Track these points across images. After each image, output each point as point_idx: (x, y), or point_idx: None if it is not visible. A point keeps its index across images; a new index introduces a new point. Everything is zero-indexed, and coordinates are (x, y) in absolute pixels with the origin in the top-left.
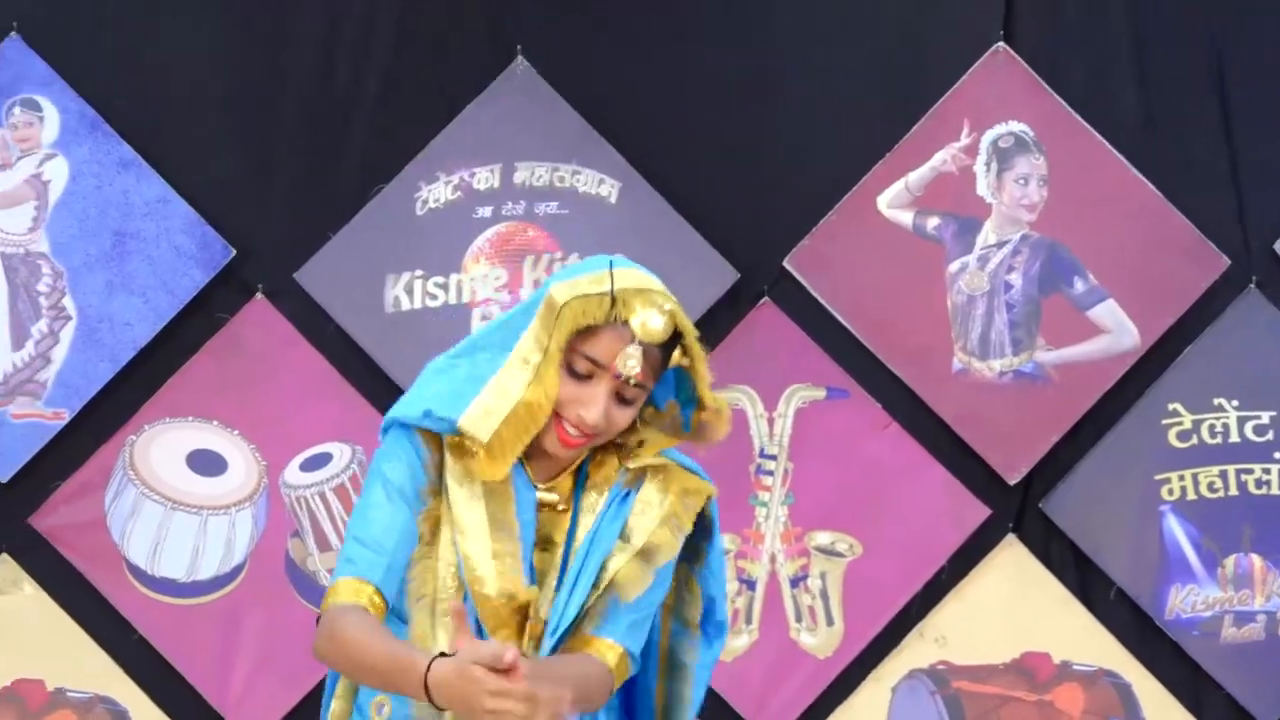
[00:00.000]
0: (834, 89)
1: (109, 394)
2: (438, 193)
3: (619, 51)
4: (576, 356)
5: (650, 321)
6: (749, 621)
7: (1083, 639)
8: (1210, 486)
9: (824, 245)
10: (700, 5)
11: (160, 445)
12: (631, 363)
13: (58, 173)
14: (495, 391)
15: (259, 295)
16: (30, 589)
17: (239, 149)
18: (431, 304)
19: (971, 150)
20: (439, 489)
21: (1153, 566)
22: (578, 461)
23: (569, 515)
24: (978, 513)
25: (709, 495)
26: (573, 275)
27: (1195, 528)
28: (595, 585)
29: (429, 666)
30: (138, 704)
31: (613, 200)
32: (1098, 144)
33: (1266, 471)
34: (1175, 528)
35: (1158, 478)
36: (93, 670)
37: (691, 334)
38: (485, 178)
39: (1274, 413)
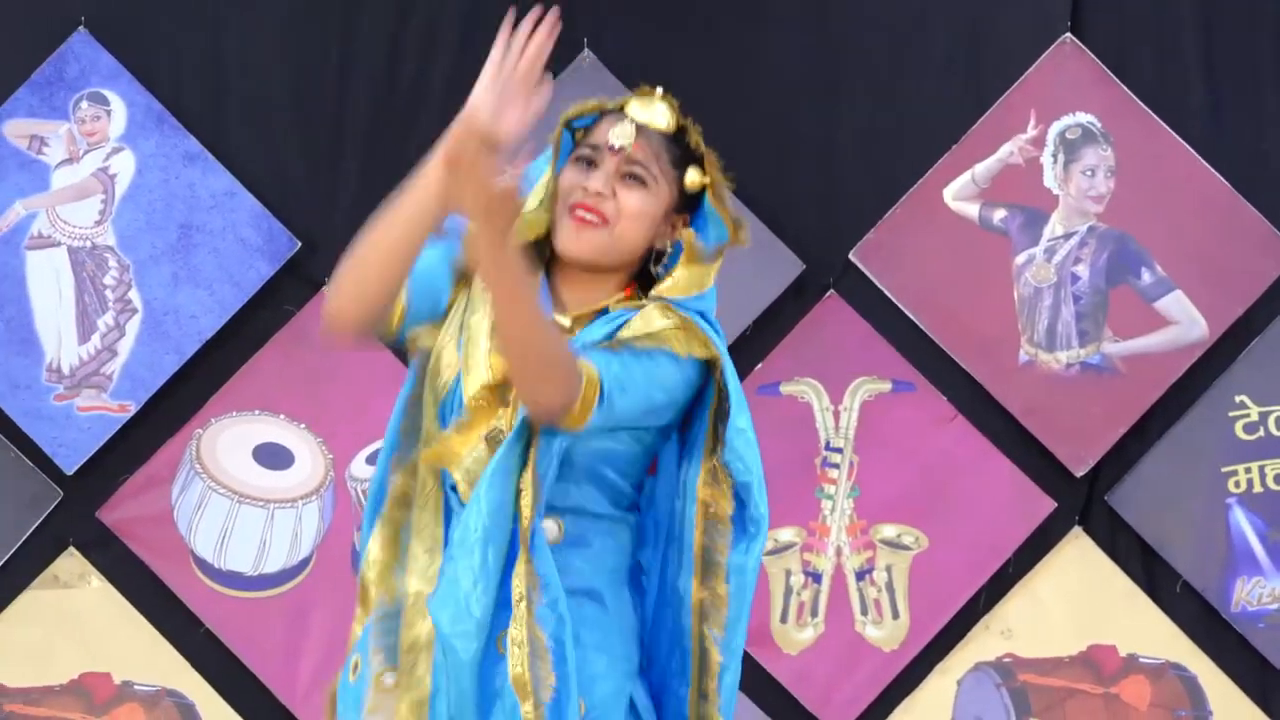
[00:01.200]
0: (900, 81)
1: (175, 387)
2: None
3: (685, 44)
4: (579, 149)
5: (642, 104)
6: (815, 614)
7: (1149, 632)
8: (1277, 478)
9: (890, 238)
10: None
11: (227, 438)
12: (621, 131)
13: (124, 166)
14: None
15: (325, 289)
16: (97, 583)
17: (305, 141)
18: None
19: (1039, 142)
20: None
21: (1219, 559)
22: (606, 295)
23: None
24: (1044, 505)
25: (715, 359)
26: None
27: (1262, 520)
28: None
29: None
30: (204, 697)
31: None
32: (1165, 134)
33: None
34: (1241, 520)
35: (1224, 470)
36: (159, 663)
37: (700, 141)
38: None
39: None
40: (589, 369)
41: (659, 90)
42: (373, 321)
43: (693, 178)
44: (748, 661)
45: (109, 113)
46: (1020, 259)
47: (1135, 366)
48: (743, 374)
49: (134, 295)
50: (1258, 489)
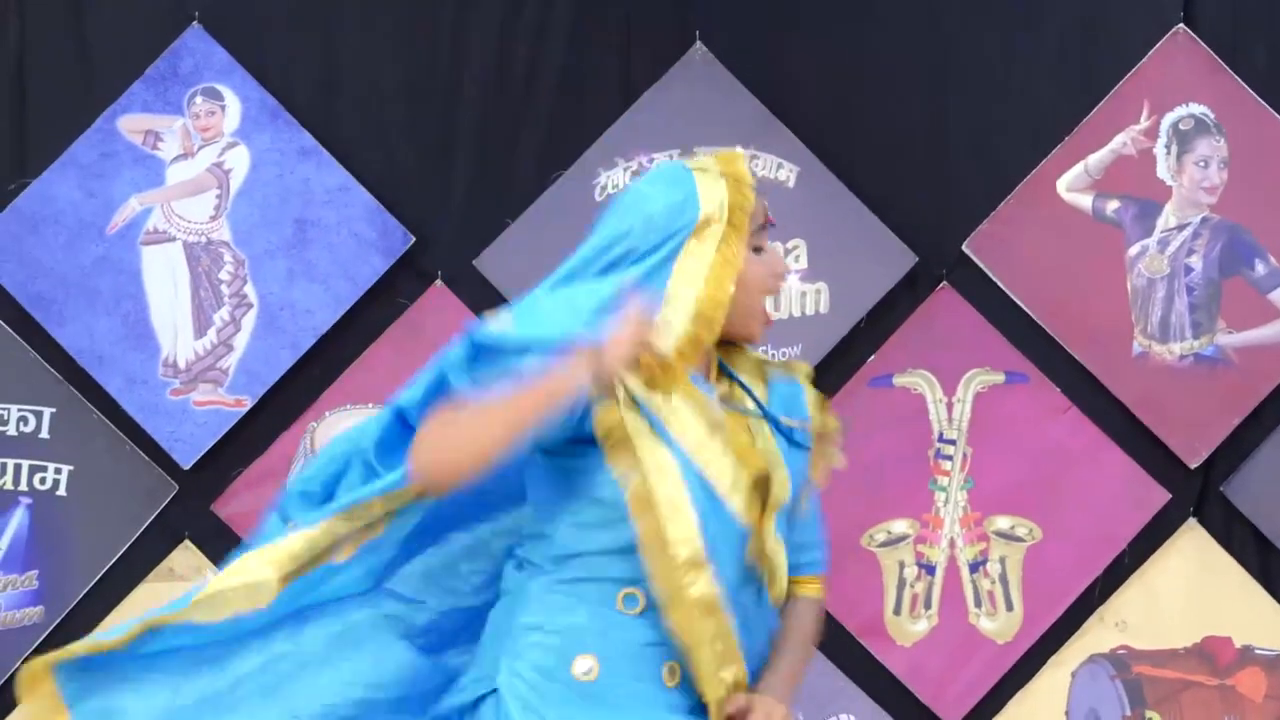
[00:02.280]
0: (1013, 72)
1: (290, 381)
2: (616, 178)
3: (796, 37)
4: (754, 235)
5: (741, 162)
6: (928, 606)
7: (1265, 623)
8: None
9: (1003, 229)
10: None
11: (341, 432)
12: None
13: (239, 161)
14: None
15: (438, 282)
16: (212, 576)
17: (418, 137)
18: None
19: (1151, 133)
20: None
21: None
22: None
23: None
24: (1158, 497)
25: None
26: (669, 186)
27: None
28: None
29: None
30: None
31: (791, 184)
32: (1278, 125)
33: None
34: None
35: None
36: None
37: None
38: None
39: None
40: (819, 583)
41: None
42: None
43: None
44: (861, 653)
45: (223, 108)
46: (1133, 250)
47: (1249, 358)
48: (856, 366)
49: (249, 290)
50: None
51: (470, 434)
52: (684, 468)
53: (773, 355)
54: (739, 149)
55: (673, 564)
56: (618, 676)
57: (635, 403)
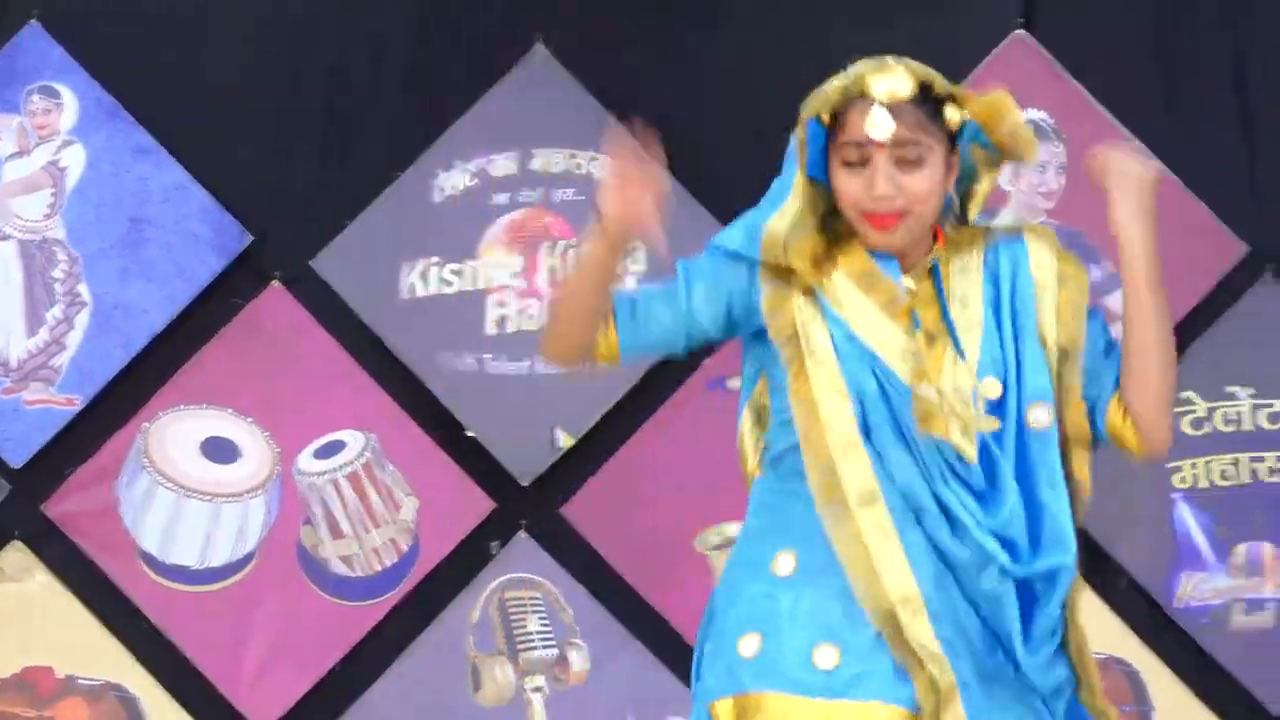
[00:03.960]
0: None
1: (123, 380)
2: (454, 180)
3: (637, 38)
4: (842, 149)
5: (881, 80)
6: None
7: (1094, 626)
8: (1223, 474)
9: None
10: None
11: (174, 432)
12: (879, 121)
13: (75, 159)
14: (777, 216)
15: (275, 283)
16: (42, 576)
17: (256, 136)
18: (447, 291)
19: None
20: (786, 296)
21: (1164, 554)
22: (926, 259)
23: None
24: None
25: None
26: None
27: (1207, 515)
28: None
29: None
30: (148, 691)
31: None
32: (1116, 131)
33: (1279, 460)
34: (1187, 516)
35: (1170, 465)
36: (103, 657)
37: (944, 82)
38: (503, 165)
39: None
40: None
41: (888, 58)
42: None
43: (952, 116)
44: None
45: (60, 106)
46: None
47: None
48: (692, 368)
49: (83, 289)
50: (1203, 485)
51: (548, 322)
52: (848, 345)
53: None
54: (890, 59)
55: (821, 453)
56: (812, 571)
57: (812, 290)
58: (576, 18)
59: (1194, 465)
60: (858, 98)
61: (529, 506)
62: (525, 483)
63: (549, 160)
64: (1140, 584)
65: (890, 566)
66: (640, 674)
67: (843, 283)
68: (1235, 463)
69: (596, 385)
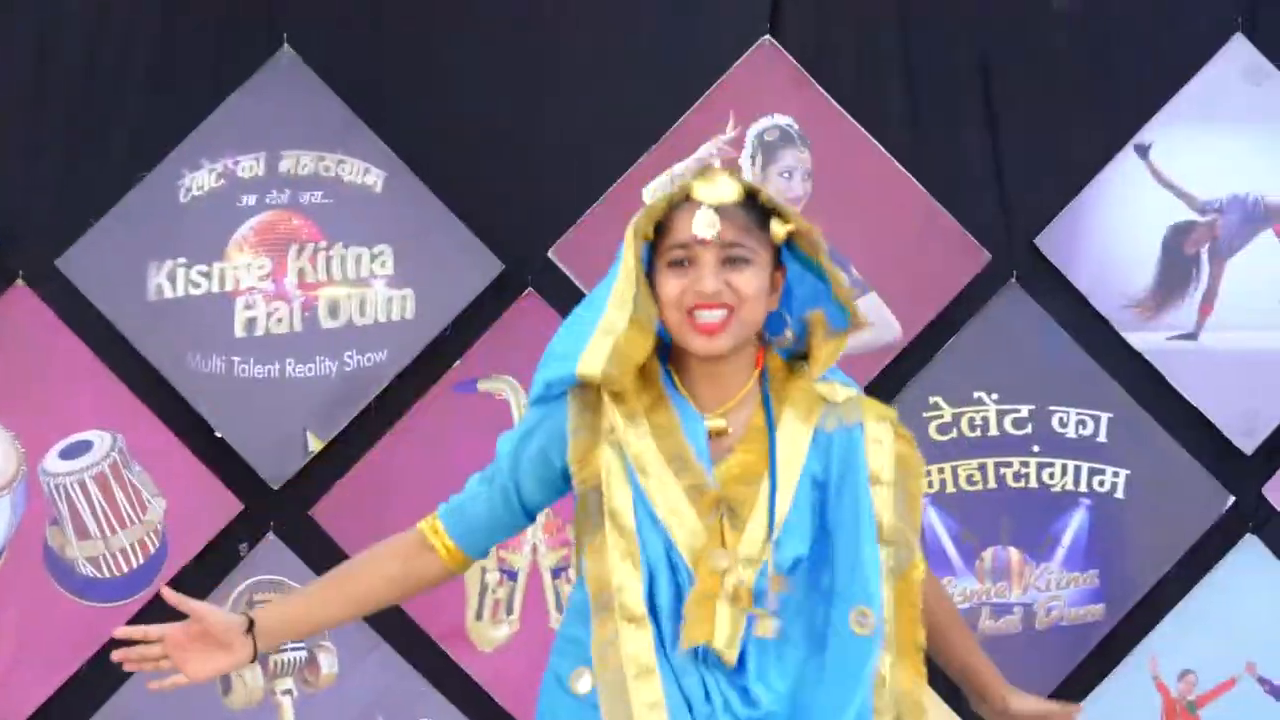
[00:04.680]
0: (602, 79)
1: None
2: (201, 180)
3: (386, 40)
4: (668, 253)
5: (707, 185)
6: (510, 612)
7: None
8: (969, 479)
9: (589, 236)
10: None
11: None
12: (705, 220)
13: None
14: (601, 329)
15: (19, 281)
16: None
17: (2, 135)
18: (194, 292)
19: (737, 143)
20: (593, 446)
21: None
22: (748, 384)
23: (759, 446)
24: None
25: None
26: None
27: (954, 520)
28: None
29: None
30: None
31: (378, 189)
32: (863, 138)
33: (1025, 465)
34: (934, 520)
35: None
36: None
37: (770, 194)
38: (250, 166)
39: (1033, 406)
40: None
41: (715, 165)
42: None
43: (777, 230)
44: (443, 658)
45: None
46: None
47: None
48: (440, 372)
49: None
50: (950, 490)
51: None
52: (645, 515)
53: (369, 361)
54: (717, 167)
55: (606, 624)
56: (610, 690)
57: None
58: (324, 19)
59: (940, 470)
60: (683, 203)
61: (279, 508)
62: (275, 485)
63: (296, 162)
64: None
65: None
66: (389, 676)
67: (651, 453)
68: (981, 468)
69: (346, 388)
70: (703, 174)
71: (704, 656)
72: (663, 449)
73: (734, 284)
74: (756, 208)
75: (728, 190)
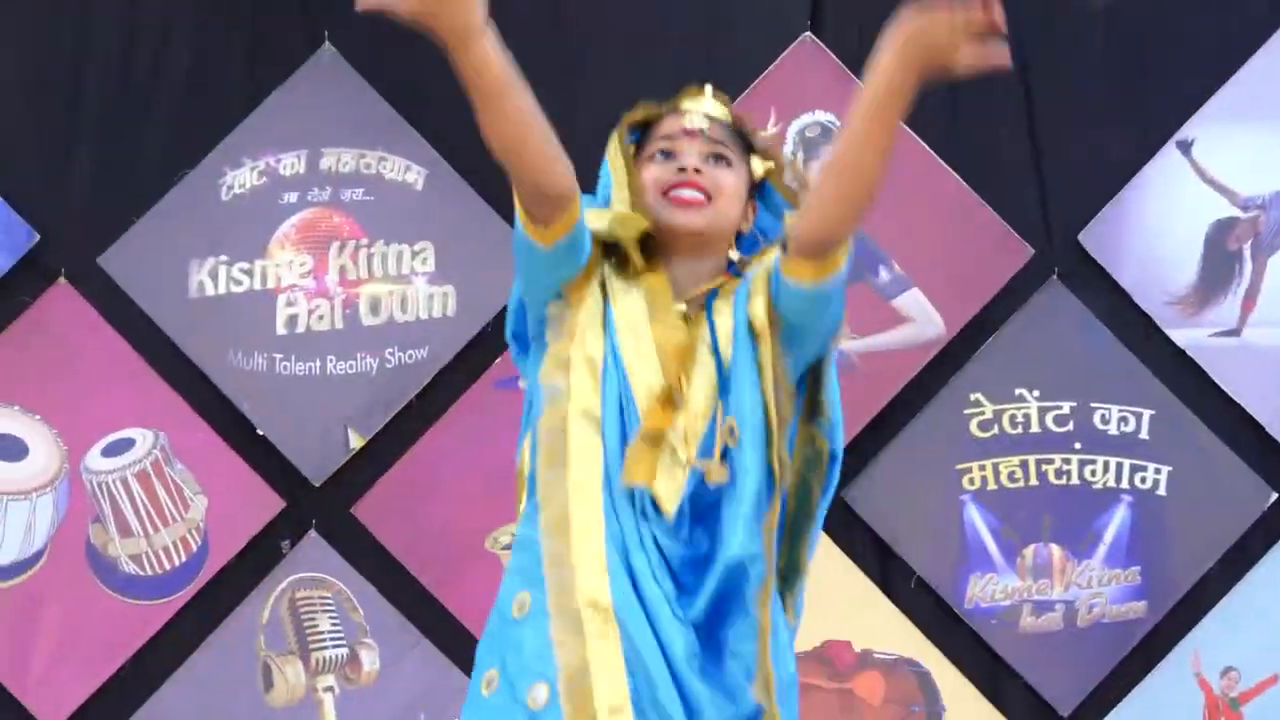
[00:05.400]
0: (641, 78)
1: None
2: (243, 178)
3: (426, 39)
4: (651, 146)
5: (697, 98)
6: None
7: (883, 627)
8: (1010, 476)
9: None
10: None
11: None
12: (696, 115)
13: None
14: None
15: (62, 280)
16: None
17: (43, 132)
18: (236, 290)
19: (778, 140)
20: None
21: (953, 556)
22: (710, 277)
23: (701, 329)
24: None
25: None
26: None
27: (995, 517)
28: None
29: None
30: None
31: (419, 187)
32: (904, 134)
33: (1066, 462)
34: (975, 517)
35: (959, 467)
36: None
37: (753, 127)
38: (291, 164)
39: (1074, 403)
40: None
41: (707, 87)
42: (541, 186)
43: (757, 166)
44: None
45: None
46: None
47: (872, 363)
48: (481, 369)
49: None
50: (991, 486)
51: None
52: (612, 360)
53: (410, 358)
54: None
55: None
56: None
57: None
58: (365, 17)
59: (982, 467)
60: (671, 111)
61: (320, 506)
62: (317, 482)
63: (337, 159)
64: (930, 585)
65: (590, 584)
66: (431, 673)
67: (637, 305)
68: (1023, 465)
69: (387, 386)
70: (693, 91)
71: (643, 508)
72: (652, 302)
73: (713, 174)
74: (742, 135)
75: (717, 109)
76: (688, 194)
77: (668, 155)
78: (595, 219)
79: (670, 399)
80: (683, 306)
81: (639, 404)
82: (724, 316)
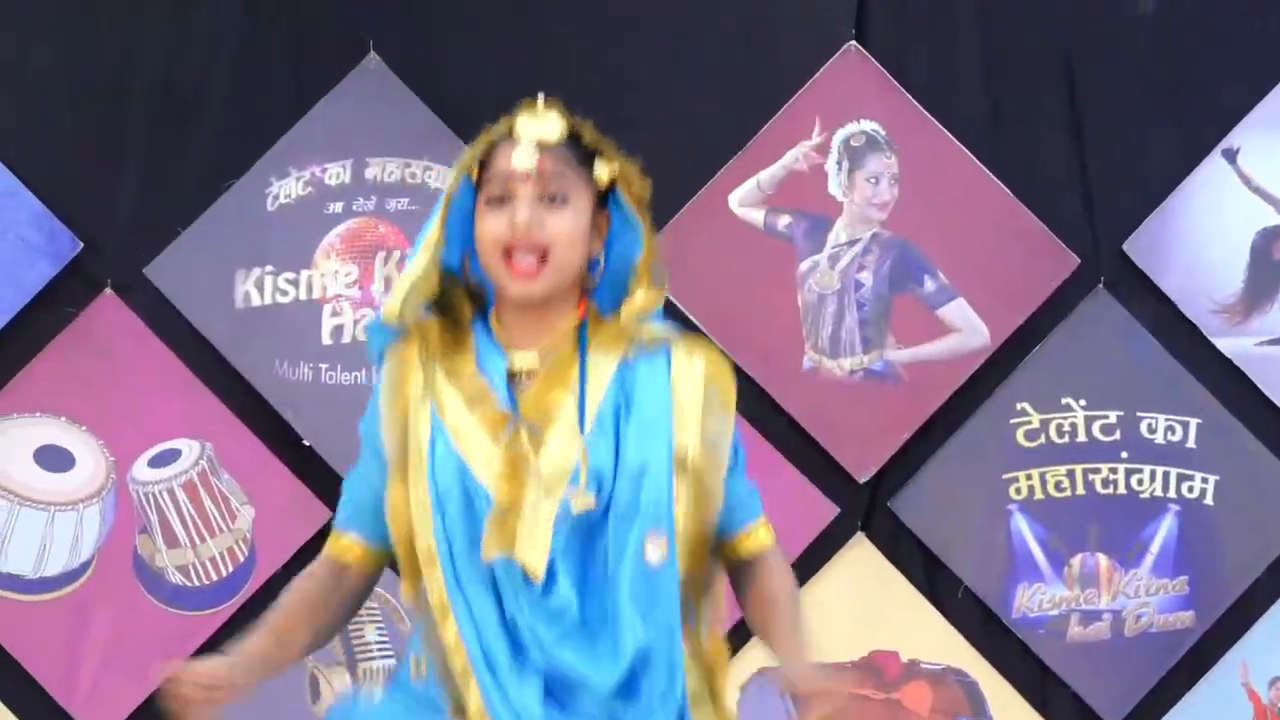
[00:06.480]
0: (686, 87)
1: None
2: (289, 188)
3: (471, 48)
4: (487, 187)
5: (530, 121)
6: None
7: (931, 637)
8: (1057, 486)
9: (674, 243)
10: (552, 1)
11: (8, 441)
12: (523, 155)
13: None
14: (405, 273)
15: (108, 290)
16: None
17: (89, 142)
18: (282, 300)
19: (823, 149)
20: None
21: (1000, 565)
22: (565, 325)
23: (564, 375)
24: (826, 511)
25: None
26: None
27: (1042, 527)
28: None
29: None
30: None
31: None
32: (948, 142)
33: (1113, 471)
34: (1023, 527)
35: (1005, 477)
36: None
37: (595, 134)
38: (336, 173)
39: (1121, 412)
40: (765, 530)
41: (539, 100)
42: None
43: (601, 172)
44: None
45: None
46: (804, 265)
47: (918, 373)
48: None
49: None
50: (1039, 496)
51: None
52: (445, 453)
53: None
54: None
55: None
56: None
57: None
58: (410, 27)
59: (1029, 477)
60: (505, 138)
61: None
62: None
63: (383, 169)
64: (977, 595)
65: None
66: None
67: (450, 394)
68: (1069, 474)
69: None
70: (528, 108)
71: (506, 575)
72: (460, 389)
73: (550, 223)
74: (581, 147)
75: (550, 127)
76: (522, 264)
77: (503, 201)
78: (390, 306)
79: (515, 469)
80: (531, 357)
81: (485, 484)
82: (600, 375)
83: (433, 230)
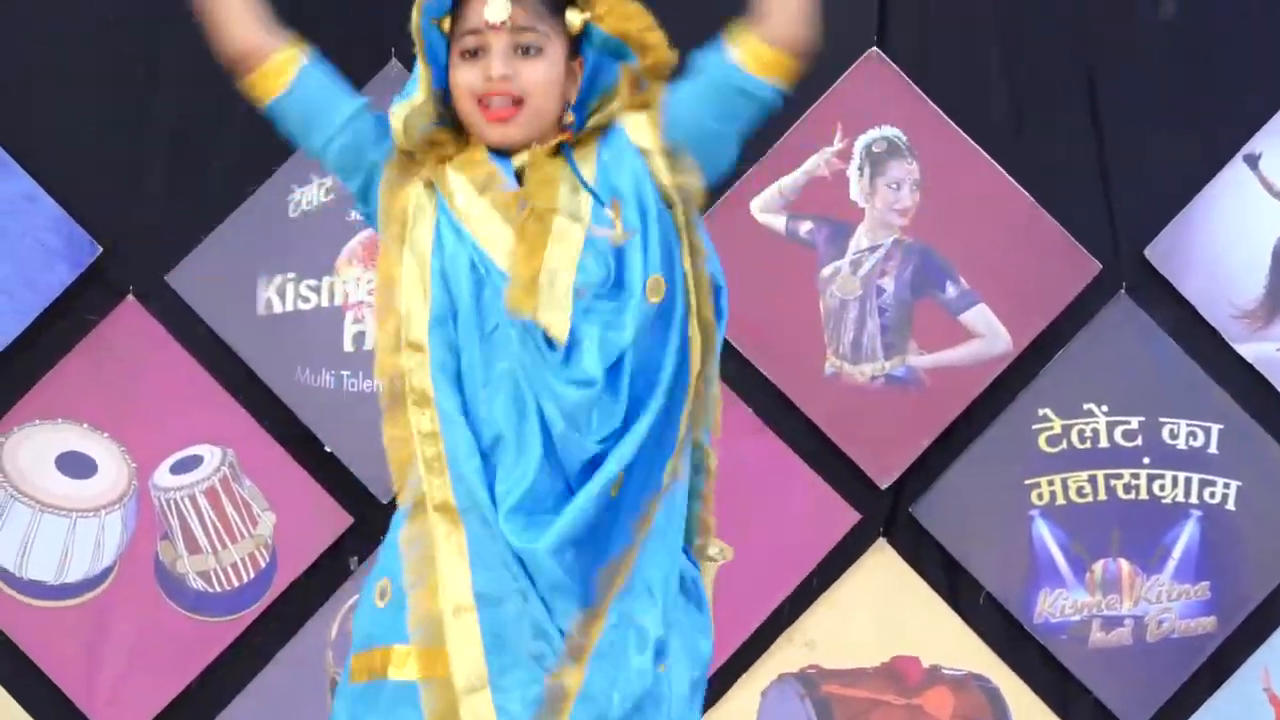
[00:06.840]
0: None
1: None
2: (311, 195)
3: None
4: (460, 41)
5: None
6: None
7: (952, 643)
8: (1079, 491)
9: None
10: None
11: (29, 447)
12: (496, 7)
13: None
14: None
15: (130, 297)
16: None
17: (109, 146)
18: (304, 306)
19: (845, 155)
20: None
21: (1022, 571)
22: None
23: (555, 167)
24: (848, 517)
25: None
26: None
27: (1064, 532)
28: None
29: None
30: (4, 707)
31: None
32: (969, 148)
33: (1135, 476)
34: (1044, 532)
35: (1027, 482)
36: None
37: None
38: None
39: (1143, 418)
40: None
41: None
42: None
43: (573, 19)
44: None
45: None
46: (826, 271)
47: (940, 379)
48: None
49: None
50: (1060, 501)
51: None
52: (451, 235)
53: None
54: None
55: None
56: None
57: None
58: None
59: (1051, 482)
60: None
61: (388, 523)
62: (385, 499)
63: None
64: (999, 600)
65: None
66: None
67: (458, 180)
68: (1091, 480)
69: None
70: None
71: (522, 342)
72: (473, 177)
73: (523, 72)
74: None
75: None
76: (496, 105)
77: (474, 54)
78: (394, 131)
79: (531, 244)
80: (524, 157)
81: (494, 260)
82: (588, 164)
83: (420, 69)
